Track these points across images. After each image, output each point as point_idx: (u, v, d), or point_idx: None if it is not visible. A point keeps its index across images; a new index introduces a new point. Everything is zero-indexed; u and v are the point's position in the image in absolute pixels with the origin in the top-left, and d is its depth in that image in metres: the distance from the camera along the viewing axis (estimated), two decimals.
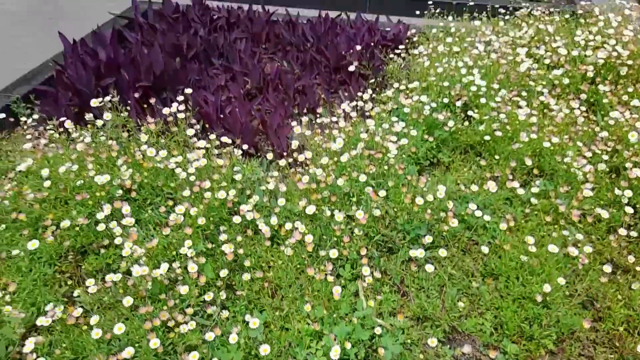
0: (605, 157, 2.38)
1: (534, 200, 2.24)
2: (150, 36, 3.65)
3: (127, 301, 1.69)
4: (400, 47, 3.40)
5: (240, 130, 2.72)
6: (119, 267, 1.91)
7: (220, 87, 3.21)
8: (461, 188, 2.31)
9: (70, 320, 1.67)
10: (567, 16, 3.55)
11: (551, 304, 1.84)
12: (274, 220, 2.04)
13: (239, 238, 1.99)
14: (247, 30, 3.89)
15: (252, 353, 1.68)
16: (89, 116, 2.42)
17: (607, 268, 1.88)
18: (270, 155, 2.48)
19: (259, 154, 2.72)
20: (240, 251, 1.95)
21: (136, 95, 2.82)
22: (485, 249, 2.03)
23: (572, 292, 1.89)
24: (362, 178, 2.18)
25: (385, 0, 4.70)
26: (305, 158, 2.34)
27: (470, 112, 2.70)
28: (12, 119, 2.81)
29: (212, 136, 2.40)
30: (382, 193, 2.14)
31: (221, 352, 1.66)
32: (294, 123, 2.90)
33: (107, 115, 2.36)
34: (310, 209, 2.06)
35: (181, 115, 2.43)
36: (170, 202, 2.20)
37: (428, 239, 2.01)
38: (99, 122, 2.38)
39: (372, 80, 3.26)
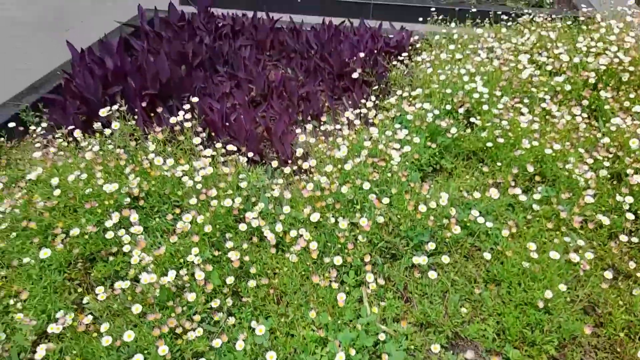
0: (607, 164, 2.40)
1: (536, 207, 2.26)
2: (157, 44, 3.70)
3: (136, 309, 1.73)
4: (404, 54, 3.43)
5: (245, 137, 2.76)
6: (127, 274, 1.94)
7: (225, 94, 3.25)
8: (464, 195, 2.34)
9: (80, 328, 1.71)
10: (569, 22, 3.57)
11: (553, 310, 1.86)
12: (279, 227, 2.08)
13: (245, 245, 2.03)
14: (251, 37, 3.94)
15: (259, 359, 1.72)
16: (97, 125, 2.47)
17: (608, 274, 1.91)
18: (275, 163, 2.51)
19: (263, 161, 2.76)
20: (246, 258, 1.99)
21: (143, 104, 2.86)
22: (487, 255, 2.06)
23: (574, 298, 1.92)
24: (366, 186, 2.21)
25: (389, 7, 4.74)
26: (310, 166, 2.38)
27: (472, 119, 2.73)
28: (21, 128, 2.86)
29: (218, 145, 2.43)
30: (386, 200, 2.17)
31: (228, 358, 1.70)
32: (298, 130, 2.94)
33: (115, 125, 2.40)
34: (315, 216, 2.10)
35: (188, 124, 2.47)
36: (177, 210, 2.23)
37: (431, 246, 2.03)
38: (107, 131, 2.42)
39: (376, 87, 3.29)
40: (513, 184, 2.37)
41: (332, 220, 2.10)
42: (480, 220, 2.13)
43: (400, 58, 3.39)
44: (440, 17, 3.87)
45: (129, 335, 1.65)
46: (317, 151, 2.53)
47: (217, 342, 1.70)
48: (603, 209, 2.26)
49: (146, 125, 2.86)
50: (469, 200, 2.30)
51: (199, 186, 2.22)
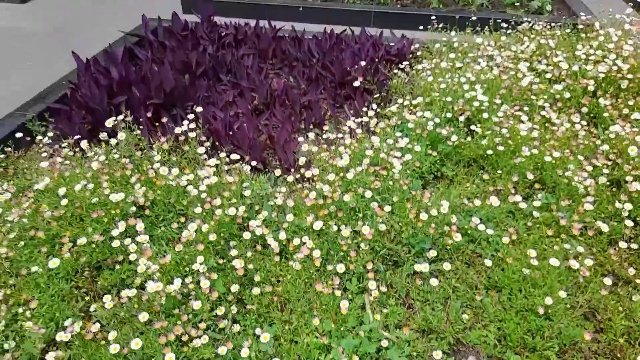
0: (606, 171, 2.43)
1: (536, 214, 2.29)
2: (160, 53, 3.76)
3: (143, 316, 1.76)
4: (404, 62, 3.47)
5: (248, 145, 2.80)
6: (133, 282, 1.98)
7: (228, 103, 3.29)
8: (464, 202, 2.37)
9: (88, 336, 1.74)
10: (568, 30, 3.61)
11: (553, 316, 1.88)
12: (282, 235, 2.11)
13: (249, 253, 2.06)
14: (254, 46, 3.99)
15: None
16: (102, 135, 2.51)
17: (608, 280, 1.93)
18: (278, 171, 2.55)
19: (266, 169, 2.80)
20: (250, 266, 2.02)
21: (148, 114, 2.90)
22: (488, 262, 2.08)
23: (574, 304, 1.94)
24: (368, 194, 2.24)
25: (390, 15, 4.79)
26: (313, 174, 2.41)
27: (473, 127, 2.76)
28: (28, 138, 2.90)
29: (222, 154, 2.47)
30: (387, 208, 2.20)
31: None
32: (300, 138, 2.98)
33: (121, 135, 2.45)
34: (318, 225, 2.13)
35: (192, 134, 2.51)
36: (182, 219, 2.27)
37: (432, 253, 2.06)
38: (113, 141, 2.46)
39: (377, 95, 3.33)
40: (513, 191, 2.40)
41: (335, 228, 2.13)
42: (481, 227, 2.16)
43: (401, 66, 3.43)
44: (441, 25, 3.91)
45: (136, 343, 1.68)
46: (319, 159, 2.56)
47: (222, 350, 1.73)
48: (602, 216, 2.29)
49: (151, 134, 2.90)
50: (470, 208, 2.33)
51: (203, 195, 2.25)
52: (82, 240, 2.05)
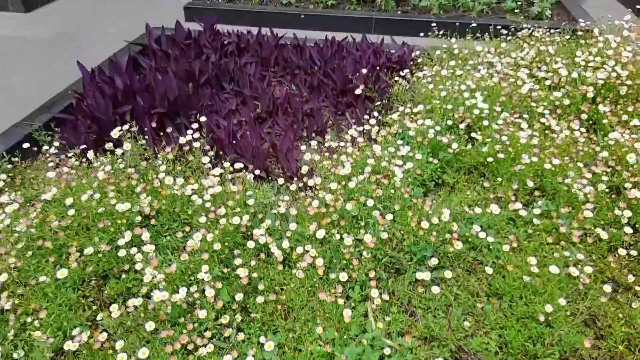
0: (605, 178, 2.45)
1: (536, 221, 2.32)
2: (164, 62, 3.80)
3: (150, 325, 1.79)
4: (405, 70, 3.50)
5: (251, 154, 2.83)
6: (139, 291, 2.01)
7: (231, 111, 3.33)
8: (465, 209, 2.40)
9: (95, 345, 1.77)
10: (567, 37, 3.64)
11: (554, 323, 1.91)
12: (285, 243, 2.14)
13: (253, 262, 2.09)
14: (256, 54, 4.03)
15: None
16: (108, 145, 2.55)
17: (608, 287, 1.96)
18: (281, 180, 2.58)
19: (269, 178, 2.83)
20: (254, 275, 2.05)
21: (153, 124, 2.94)
22: (489, 270, 2.11)
23: (574, 311, 1.97)
24: (370, 202, 2.27)
25: (390, 21, 4.83)
26: (315, 183, 2.45)
27: (473, 134, 2.79)
28: (35, 148, 2.95)
29: (226, 164, 2.51)
30: (389, 216, 2.23)
31: None
32: (303, 147, 3.01)
33: (127, 146, 2.48)
34: (320, 233, 2.16)
35: (196, 144, 2.55)
36: (187, 228, 2.30)
37: (434, 261, 2.09)
38: (119, 151, 2.50)
39: (378, 103, 3.37)
40: (514, 198, 2.42)
41: (337, 236, 2.16)
42: (482, 234, 2.18)
43: (402, 73, 3.47)
44: (441, 32, 3.95)
45: (143, 352, 1.71)
46: (321, 168, 2.60)
47: (227, 358, 1.76)
48: (602, 223, 2.31)
49: (155, 144, 2.94)
50: (471, 215, 2.36)
51: (208, 204, 2.29)
52: (89, 250, 2.08)
